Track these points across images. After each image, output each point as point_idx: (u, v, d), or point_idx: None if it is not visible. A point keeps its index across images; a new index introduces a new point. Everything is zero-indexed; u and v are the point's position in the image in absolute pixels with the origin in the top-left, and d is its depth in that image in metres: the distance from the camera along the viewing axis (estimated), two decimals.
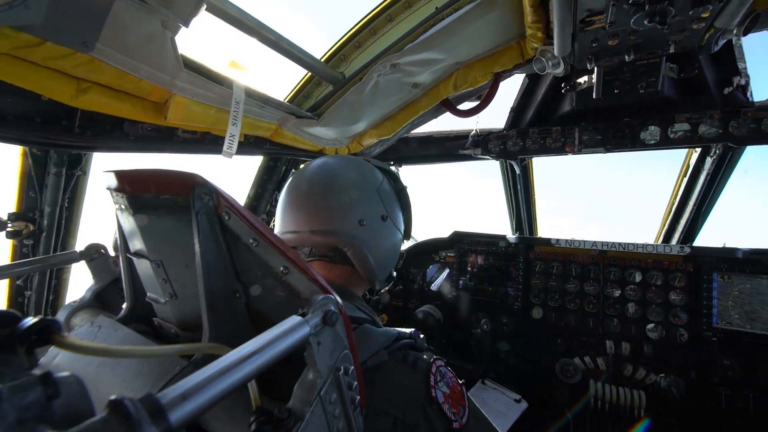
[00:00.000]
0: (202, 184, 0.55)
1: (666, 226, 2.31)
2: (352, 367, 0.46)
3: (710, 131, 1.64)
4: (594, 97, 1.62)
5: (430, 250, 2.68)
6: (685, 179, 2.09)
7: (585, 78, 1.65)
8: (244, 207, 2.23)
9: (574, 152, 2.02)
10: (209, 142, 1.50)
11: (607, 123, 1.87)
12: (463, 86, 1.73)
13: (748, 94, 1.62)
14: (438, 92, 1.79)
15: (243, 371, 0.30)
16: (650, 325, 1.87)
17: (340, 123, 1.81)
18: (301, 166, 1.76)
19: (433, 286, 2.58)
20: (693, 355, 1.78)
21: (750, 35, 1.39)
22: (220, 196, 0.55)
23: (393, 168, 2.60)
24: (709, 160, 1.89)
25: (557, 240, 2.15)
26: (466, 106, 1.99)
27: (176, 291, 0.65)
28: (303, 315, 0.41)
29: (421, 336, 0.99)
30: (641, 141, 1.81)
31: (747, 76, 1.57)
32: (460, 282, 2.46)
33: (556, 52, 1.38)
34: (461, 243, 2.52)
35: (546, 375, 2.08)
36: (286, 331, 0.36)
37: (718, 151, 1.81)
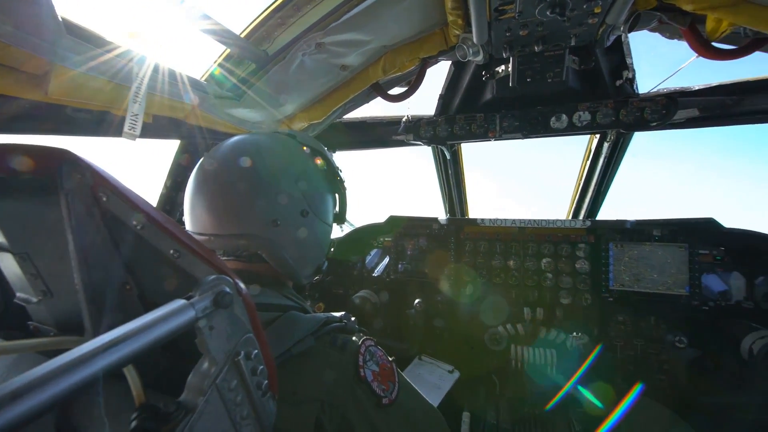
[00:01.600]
0: (72, 161, 0.47)
1: (575, 204, 2.61)
2: (256, 351, 0.44)
3: (605, 119, 1.87)
4: (511, 85, 1.73)
5: (368, 236, 2.69)
6: (588, 162, 2.38)
7: (502, 67, 1.75)
8: (161, 198, 2.01)
9: (496, 138, 2.16)
10: (109, 123, 1.31)
11: (523, 111, 2.02)
12: (391, 70, 1.74)
13: (635, 86, 1.86)
14: (367, 76, 1.77)
15: (97, 365, 0.26)
16: (562, 292, 2.11)
17: (265, 104, 1.71)
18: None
19: (375, 272, 2.61)
20: (595, 314, 2.05)
21: (635, 33, 1.60)
22: (96, 174, 0.48)
23: None
24: (606, 145, 2.16)
25: (482, 219, 2.31)
26: (396, 91, 2.01)
27: (50, 287, 0.56)
28: (189, 298, 0.37)
29: (353, 318, 1.00)
30: (552, 128, 2.00)
31: (633, 70, 1.80)
32: (399, 266, 2.52)
33: (475, 40, 1.45)
34: (398, 227, 2.57)
35: (477, 345, 2.24)
36: (163, 317, 0.32)
37: (612, 137, 2.07)
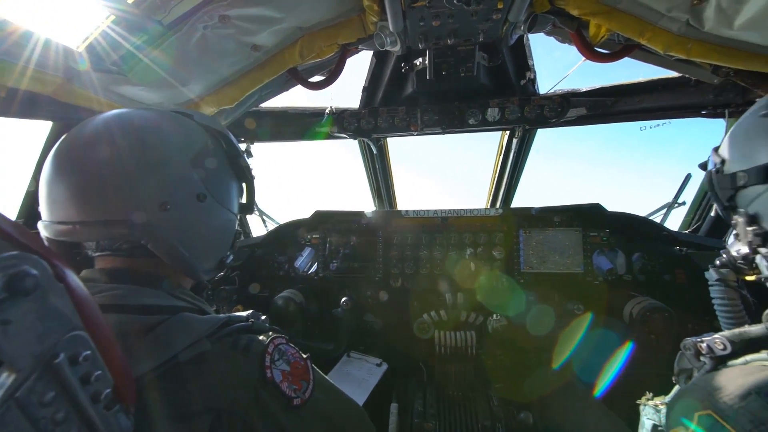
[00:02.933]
0: None
1: (492, 194, 2.81)
2: (88, 353, 0.34)
3: (513, 115, 2.03)
4: (428, 78, 1.78)
5: (294, 233, 2.56)
6: (501, 156, 2.57)
7: (420, 59, 1.79)
8: (31, 185, 1.65)
9: (418, 132, 2.21)
10: None
11: (442, 105, 2.10)
12: (309, 56, 1.65)
13: (536, 86, 2.05)
14: (283, 59, 1.66)
15: None
16: (481, 278, 2.24)
17: (162, 83, 1.50)
18: None
19: (303, 271, 2.49)
20: (509, 296, 2.21)
21: (535, 37, 1.75)
22: None
23: (243, 145, 2.37)
24: (515, 141, 2.35)
25: (407, 211, 2.35)
26: (317, 79, 1.93)
27: None
28: None
29: (263, 317, 0.91)
30: (468, 123, 2.11)
31: (534, 71, 1.98)
32: (332, 265, 2.44)
33: (391, 28, 1.45)
34: (325, 223, 2.48)
35: (406, 335, 2.27)
36: None
37: (519, 133, 2.26)
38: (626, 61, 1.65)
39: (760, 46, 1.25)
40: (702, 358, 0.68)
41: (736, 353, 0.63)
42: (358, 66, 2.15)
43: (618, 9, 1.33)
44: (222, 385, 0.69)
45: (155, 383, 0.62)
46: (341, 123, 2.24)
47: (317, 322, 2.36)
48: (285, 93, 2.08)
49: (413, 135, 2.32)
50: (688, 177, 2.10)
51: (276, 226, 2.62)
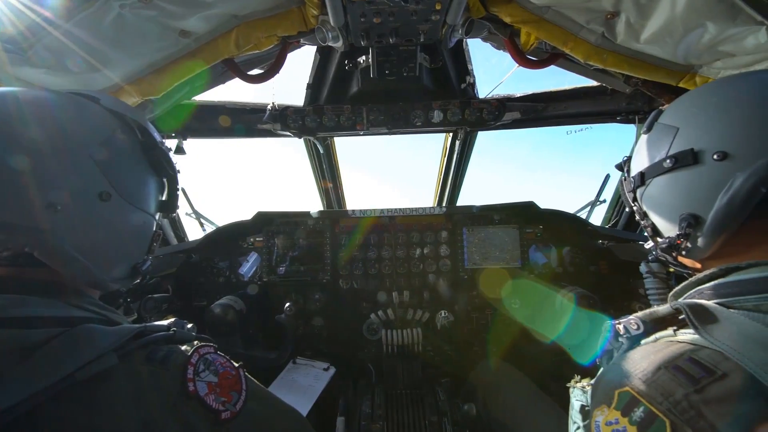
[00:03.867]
0: None
1: (438, 193, 2.89)
2: None
3: (454, 117, 2.10)
4: (371, 76, 1.78)
5: (235, 236, 2.40)
6: (446, 157, 2.65)
7: (363, 57, 1.78)
8: None
9: (364, 131, 2.19)
10: None
11: (387, 105, 2.11)
12: (246, 46, 1.56)
13: (476, 90, 2.15)
14: (218, 49, 1.55)
15: None
16: (429, 276, 2.28)
17: (69, 66, 1.32)
18: None
19: (246, 276, 2.35)
20: (455, 292, 2.28)
21: (475, 43, 1.83)
22: None
23: (174, 141, 2.17)
24: (458, 142, 2.44)
25: (353, 211, 2.32)
26: (256, 73, 1.84)
27: None
28: None
29: (188, 325, 0.82)
30: (413, 123, 2.14)
31: (473, 75, 2.07)
32: (279, 268, 2.33)
33: (332, 22, 1.42)
34: (269, 225, 2.37)
35: (356, 338, 2.24)
36: None
37: (461, 136, 2.35)
38: (556, 70, 1.80)
39: (661, 59, 1.42)
40: (620, 339, 0.73)
41: (648, 332, 0.68)
42: (304, 63, 2.08)
43: (545, 18, 1.43)
44: (132, 405, 0.60)
45: (43, 411, 0.53)
46: (284, 120, 2.15)
47: (260, 330, 2.23)
48: (223, 86, 1.96)
49: (360, 135, 2.31)
50: (607, 177, 2.34)
51: (214, 228, 2.44)
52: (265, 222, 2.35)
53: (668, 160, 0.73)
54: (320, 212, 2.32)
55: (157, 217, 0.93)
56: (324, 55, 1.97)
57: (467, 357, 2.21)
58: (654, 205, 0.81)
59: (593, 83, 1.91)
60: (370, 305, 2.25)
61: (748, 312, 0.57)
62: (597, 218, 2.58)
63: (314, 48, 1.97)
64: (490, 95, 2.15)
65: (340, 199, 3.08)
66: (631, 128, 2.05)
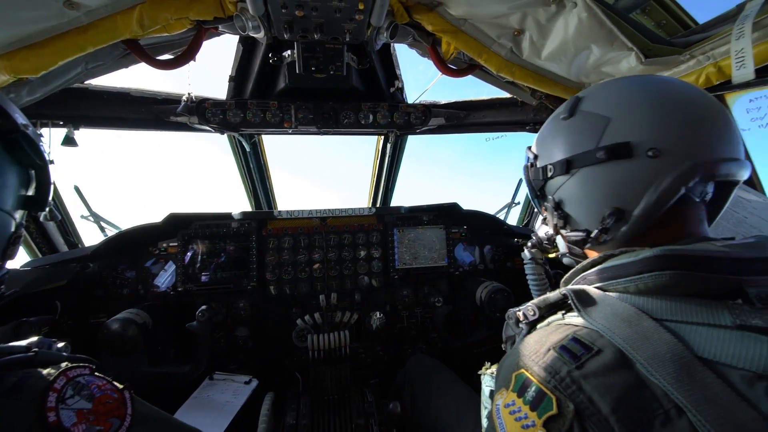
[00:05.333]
0: None
1: (372, 195, 2.91)
2: None
3: (384, 120, 2.14)
4: (297, 72, 1.73)
5: (143, 241, 2.13)
6: (378, 160, 2.69)
7: (289, 52, 1.72)
8: None
9: (292, 129, 2.12)
10: None
11: (316, 103, 2.07)
12: (152, 28, 1.40)
13: (404, 95, 2.21)
14: (116, 27, 1.37)
15: None
16: (360, 277, 2.27)
17: None
18: None
19: (160, 287, 2.10)
20: (386, 293, 2.30)
21: (403, 50, 1.88)
22: None
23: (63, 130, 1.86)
24: (389, 146, 2.48)
25: (279, 212, 2.22)
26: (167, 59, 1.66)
27: None
28: None
29: (59, 344, 0.70)
30: (343, 123, 2.13)
31: (402, 81, 2.13)
32: (201, 276, 2.11)
33: (251, 11, 1.34)
34: (186, 228, 2.15)
35: (285, 346, 2.13)
36: None
37: (392, 139, 2.40)
38: (478, 81, 1.92)
39: (559, 76, 1.61)
40: (520, 325, 0.78)
41: (542, 317, 0.74)
42: (229, 54, 1.94)
43: (462, 30, 1.52)
44: None
45: None
46: (202, 113, 1.98)
47: (172, 344, 2.01)
48: (127, 71, 1.73)
49: (289, 133, 2.22)
50: (520, 181, 2.57)
51: (116, 232, 2.15)
52: (179, 225, 2.13)
53: (601, 152, 0.69)
54: (244, 214, 2.17)
55: (17, 215, 0.78)
56: (247, 46, 1.86)
57: (398, 356, 2.25)
58: (577, 196, 0.77)
59: (507, 95, 2.09)
60: (300, 310, 2.16)
61: (619, 294, 0.64)
62: (513, 218, 2.83)
63: (237, 38, 1.86)
64: (417, 100, 2.23)
65: (270, 201, 2.94)
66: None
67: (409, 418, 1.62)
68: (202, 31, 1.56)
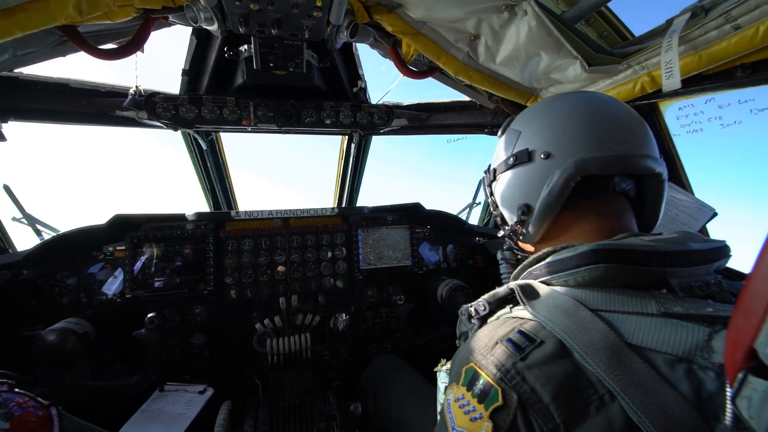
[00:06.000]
0: None
1: (338, 196, 2.88)
2: None
3: (347, 119, 2.12)
4: (255, 68, 1.67)
5: (86, 245, 1.97)
6: (343, 160, 2.67)
7: (246, 46, 1.67)
8: None
9: (252, 128, 2.05)
10: None
11: (277, 101, 2.02)
12: (93, 14, 1.30)
13: (367, 95, 2.21)
14: (49, 11, 1.25)
15: None
16: (324, 279, 2.24)
17: None
18: None
19: (109, 294, 1.95)
20: (351, 294, 2.28)
21: (366, 50, 1.87)
22: None
23: None
24: (353, 145, 2.47)
25: (237, 213, 2.14)
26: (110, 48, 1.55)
27: None
28: None
29: None
30: (305, 122, 2.09)
31: (365, 81, 2.13)
32: (155, 282, 1.98)
33: (202, 1, 1.28)
34: (135, 231, 2.01)
35: (246, 352, 2.05)
36: None
37: (356, 138, 2.39)
38: (439, 83, 1.96)
39: (513, 81, 1.68)
40: (472, 320, 0.79)
41: (493, 311, 0.76)
42: (182, 48, 1.84)
43: (421, 33, 1.55)
44: None
45: None
46: (152, 108, 1.87)
47: (120, 355, 1.88)
48: (64, 60, 1.59)
49: (248, 131, 2.15)
50: (481, 181, 2.66)
51: (53, 234, 1.97)
52: (127, 227, 1.99)
53: (511, 158, 0.84)
54: (198, 215, 2.07)
55: None
56: (201, 39, 1.77)
57: (364, 357, 2.23)
58: (501, 197, 0.91)
59: (466, 98, 2.14)
60: (262, 314, 2.09)
61: (561, 287, 0.67)
62: (474, 218, 2.91)
63: (190, 30, 1.77)
64: (381, 101, 2.24)
65: (231, 202, 2.82)
66: (496, 139, 2.37)
67: (371, 418, 1.61)
68: (150, 20, 1.47)
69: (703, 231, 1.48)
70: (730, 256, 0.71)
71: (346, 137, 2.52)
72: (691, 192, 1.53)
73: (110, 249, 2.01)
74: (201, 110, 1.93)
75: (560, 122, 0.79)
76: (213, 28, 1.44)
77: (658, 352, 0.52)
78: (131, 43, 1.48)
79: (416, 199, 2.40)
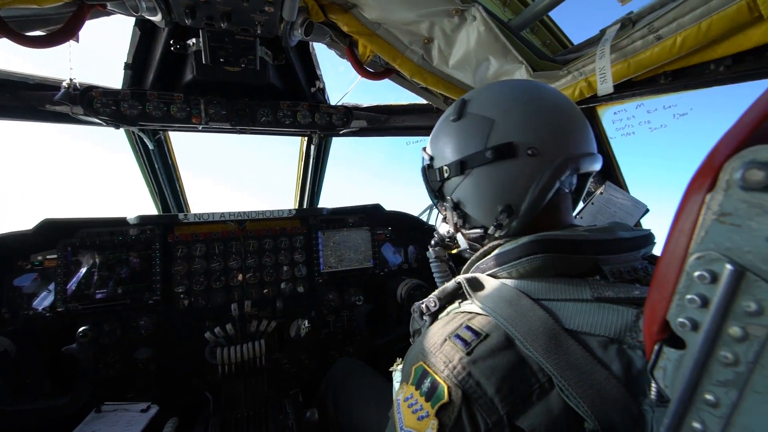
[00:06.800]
0: None
1: (298, 198, 2.81)
2: None
3: (305, 120, 2.09)
4: (204, 62, 1.60)
5: (9, 253, 1.77)
6: (303, 161, 2.61)
7: (194, 40, 1.59)
8: None
9: (203, 126, 1.96)
10: None
11: (231, 99, 1.94)
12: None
13: (326, 96, 2.19)
14: None
15: None
16: (282, 284, 2.16)
17: None
18: None
19: (36, 307, 1.74)
20: (311, 298, 2.23)
21: (324, 51, 1.85)
22: None
23: None
24: (313, 147, 2.43)
25: (185, 215, 2.02)
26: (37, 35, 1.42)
27: None
28: None
29: None
30: (260, 122, 2.03)
31: (323, 81, 2.11)
32: (96, 293, 1.81)
33: None
34: (68, 237, 1.83)
35: (197, 364, 1.92)
36: None
37: (316, 140, 2.36)
38: (397, 86, 1.98)
39: (465, 84, 1.73)
40: (424, 317, 0.78)
41: (443, 307, 0.75)
42: (124, 39, 1.72)
43: (377, 34, 1.56)
44: None
45: None
46: (89, 103, 1.73)
47: (49, 374, 1.69)
48: None
49: (199, 130, 2.05)
50: None
51: None
52: (59, 233, 1.81)
53: (489, 152, 0.73)
54: (141, 218, 1.93)
55: None
56: (146, 31, 1.67)
57: (325, 362, 2.18)
58: (472, 195, 0.80)
59: (423, 101, 2.19)
60: (214, 324, 1.97)
61: (505, 278, 0.69)
62: (434, 220, 2.96)
63: (133, 20, 1.66)
64: (339, 102, 2.23)
65: (182, 205, 2.66)
66: None
67: (331, 424, 1.56)
68: (85, 7, 1.37)
69: (638, 226, 1.60)
70: (654, 243, 0.76)
71: (306, 138, 2.48)
72: (628, 191, 1.65)
73: (39, 258, 1.82)
74: (146, 107, 1.81)
75: (540, 116, 0.74)
76: (157, 19, 1.37)
77: (593, 335, 0.54)
78: (63, 30, 1.36)
79: (380, 202, 2.40)
